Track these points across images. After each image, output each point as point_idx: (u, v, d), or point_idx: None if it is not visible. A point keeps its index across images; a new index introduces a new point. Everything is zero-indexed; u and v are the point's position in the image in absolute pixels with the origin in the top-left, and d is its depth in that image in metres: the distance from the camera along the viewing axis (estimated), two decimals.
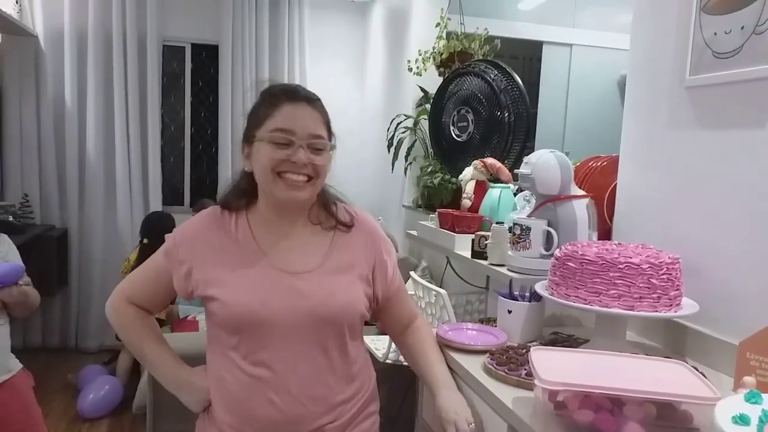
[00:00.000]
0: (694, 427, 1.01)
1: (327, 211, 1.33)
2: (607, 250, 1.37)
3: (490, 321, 1.78)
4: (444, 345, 1.47)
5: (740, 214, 1.36)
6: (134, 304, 1.35)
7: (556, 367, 1.08)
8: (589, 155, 2.02)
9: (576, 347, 1.45)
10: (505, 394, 1.21)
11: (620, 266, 1.30)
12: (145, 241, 3.56)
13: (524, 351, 1.36)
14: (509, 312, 1.56)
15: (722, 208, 1.41)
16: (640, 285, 1.29)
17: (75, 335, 4.31)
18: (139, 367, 3.35)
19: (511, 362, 1.30)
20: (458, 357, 1.41)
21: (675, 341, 1.50)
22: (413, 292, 2.15)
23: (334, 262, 1.28)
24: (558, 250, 1.44)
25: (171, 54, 4.53)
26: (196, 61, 4.60)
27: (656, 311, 1.30)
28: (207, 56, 4.59)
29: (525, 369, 1.26)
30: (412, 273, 2.25)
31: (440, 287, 1.95)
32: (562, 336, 1.57)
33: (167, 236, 1.33)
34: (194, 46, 4.56)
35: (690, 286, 1.39)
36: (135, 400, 2.88)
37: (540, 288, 1.48)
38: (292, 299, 1.22)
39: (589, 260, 1.33)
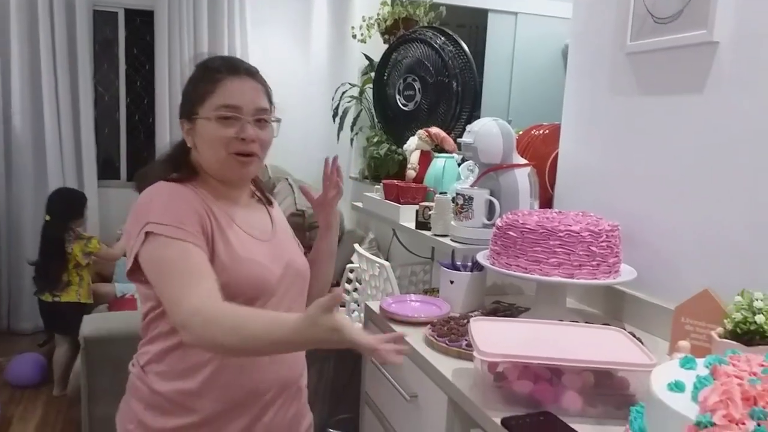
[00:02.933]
0: (630, 393, 1.01)
1: (256, 185, 1.32)
2: (547, 218, 1.36)
3: (434, 291, 1.77)
4: (387, 317, 1.44)
5: (679, 182, 1.37)
6: (200, 307, 1.03)
7: (496, 338, 1.06)
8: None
9: (517, 316, 1.45)
10: (446, 366, 1.19)
11: (560, 234, 1.29)
12: (48, 218, 3.28)
13: (465, 321, 1.34)
14: (451, 282, 1.54)
15: (661, 176, 1.41)
16: (580, 253, 1.29)
17: (7, 316, 4.10)
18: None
19: (452, 333, 1.28)
20: (401, 329, 1.37)
21: (614, 307, 1.52)
22: (357, 265, 2.12)
23: (280, 229, 1.30)
24: (499, 219, 1.42)
25: (103, 20, 4.28)
26: (130, 27, 4.35)
27: (595, 278, 1.30)
28: (142, 22, 4.35)
29: (465, 340, 1.24)
30: (356, 245, 2.21)
31: (387, 259, 1.93)
32: (504, 305, 1.56)
33: (161, 226, 1.09)
34: (128, 11, 4.31)
35: (628, 253, 1.40)
36: (69, 383, 2.77)
37: (481, 257, 1.46)
38: (279, 261, 1.21)
39: (530, 229, 1.32)
